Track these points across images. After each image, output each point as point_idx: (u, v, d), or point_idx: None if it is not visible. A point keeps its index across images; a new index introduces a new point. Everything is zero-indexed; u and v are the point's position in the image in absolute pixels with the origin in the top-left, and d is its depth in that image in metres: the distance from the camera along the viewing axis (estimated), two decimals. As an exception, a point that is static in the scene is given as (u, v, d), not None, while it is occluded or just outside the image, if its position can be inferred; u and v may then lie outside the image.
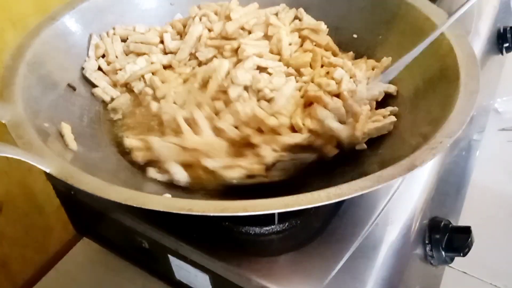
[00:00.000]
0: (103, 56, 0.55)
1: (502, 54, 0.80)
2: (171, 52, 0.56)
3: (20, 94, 0.43)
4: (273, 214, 0.43)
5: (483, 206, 0.75)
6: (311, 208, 0.44)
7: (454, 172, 0.64)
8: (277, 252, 0.43)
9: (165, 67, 0.54)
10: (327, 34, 0.57)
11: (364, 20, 0.57)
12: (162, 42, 0.56)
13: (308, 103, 0.47)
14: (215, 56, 0.54)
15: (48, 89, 0.48)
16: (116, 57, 0.55)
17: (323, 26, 0.56)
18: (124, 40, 0.56)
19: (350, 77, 0.50)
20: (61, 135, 0.43)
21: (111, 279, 0.60)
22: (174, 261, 0.47)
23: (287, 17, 0.57)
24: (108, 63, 0.54)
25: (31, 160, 0.36)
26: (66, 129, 0.44)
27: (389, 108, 0.49)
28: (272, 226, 0.44)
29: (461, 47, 0.47)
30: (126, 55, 0.55)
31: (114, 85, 0.53)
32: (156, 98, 0.50)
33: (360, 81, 0.49)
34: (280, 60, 0.53)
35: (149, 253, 0.49)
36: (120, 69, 0.53)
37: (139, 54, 0.55)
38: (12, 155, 0.35)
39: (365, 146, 0.46)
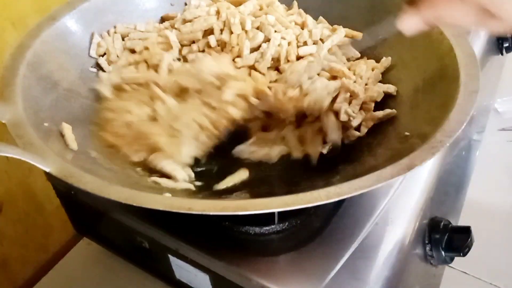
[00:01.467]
0: (104, 54, 0.55)
1: (502, 54, 0.80)
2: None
3: (20, 94, 0.43)
4: (273, 214, 0.43)
5: (483, 206, 0.75)
6: (311, 208, 0.45)
7: (454, 172, 0.64)
8: (277, 252, 0.43)
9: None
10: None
11: (364, 20, 0.57)
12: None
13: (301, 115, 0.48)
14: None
15: (48, 89, 0.48)
16: (117, 56, 0.55)
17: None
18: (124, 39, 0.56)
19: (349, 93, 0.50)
20: (62, 135, 0.43)
21: (111, 279, 0.60)
22: (174, 261, 0.47)
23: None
24: (109, 63, 0.54)
25: (31, 159, 0.36)
26: (67, 129, 0.44)
27: (387, 111, 0.48)
28: (272, 226, 0.44)
29: (461, 47, 0.47)
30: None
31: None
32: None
33: (358, 94, 0.49)
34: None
35: (149, 253, 0.49)
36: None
37: (132, 52, 0.55)
38: (12, 155, 0.35)
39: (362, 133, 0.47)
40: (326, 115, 0.47)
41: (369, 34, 0.56)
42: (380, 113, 0.48)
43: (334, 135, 0.46)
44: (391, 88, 0.51)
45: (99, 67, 0.54)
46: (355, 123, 0.48)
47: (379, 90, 0.50)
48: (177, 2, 0.62)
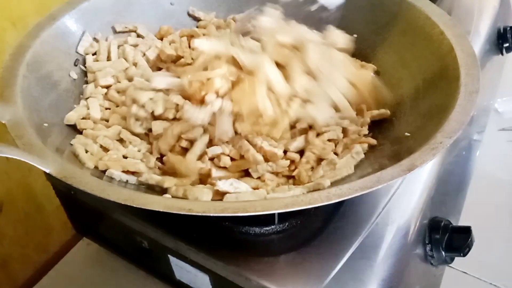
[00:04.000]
0: (94, 53, 0.54)
1: (502, 54, 0.80)
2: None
3: (20, 94, 0.43)
4: (273, 214, 0.43)
5: (483, 206, 0.75)
6: (311, 208, 0.45)
7: (454, 172, 0.64)
8: (277, 252, 0.43)
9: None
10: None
11: (364, 20, 0.57)
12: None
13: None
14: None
15: (48, 89, 0.48)
16: (108, 58, 0.54)
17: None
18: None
19: None
20: (76, 155, 0.43)
21: (111, 279, 0.60)
22: (174, 261, 0.47)
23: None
24: (96, 60, 0.54)
25: (31, 160, 0.36)
26: (80, 149, 0.43)
27: (382, 111, 0.49)
28: (272, 226, 0.44)
29: (461, 47, 0.47)
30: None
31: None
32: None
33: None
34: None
35: (149, 253, 0.49)
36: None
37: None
38: (12, 156, 0.35)
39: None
40: None
41: (369, 34, 0.57)
42: (374, 112, 0.48)
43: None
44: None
45: (84, 63, 0.53)
46: None
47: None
48: (177, 2, 0.62)
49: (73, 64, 0.52)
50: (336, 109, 0.47)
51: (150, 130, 0.46)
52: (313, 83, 0.46)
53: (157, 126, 0.45)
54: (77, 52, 0.53)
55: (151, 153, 0.45)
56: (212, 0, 0.63)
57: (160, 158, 0.45)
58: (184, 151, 0.45)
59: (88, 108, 0.49)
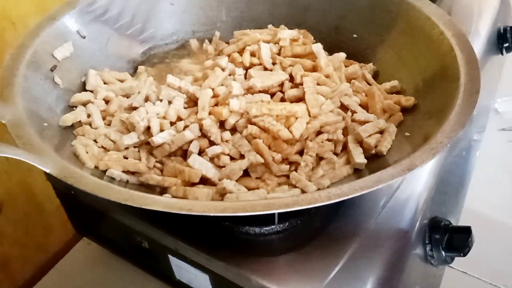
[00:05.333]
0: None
1: (502, 54, 0.80)
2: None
3: (20, 94, 0.43)
4: (273, 214, 0.43)
5: (483, 206, 0.75)
6: (312, 208, 0.45)
7: (454, 172, 0.64)
8: (277, 252, 0.43)
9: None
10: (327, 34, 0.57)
11: (364, 20, 0.57)
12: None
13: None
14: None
15: (48, 89, 0.48)
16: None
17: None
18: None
19: None
20: (76, 155, 0.43)
21: (111, 279, 0.60)
22: (174, 261, 0.47)
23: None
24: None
25: (31, 160, 0.36)
26: (81, 149, 0.43)
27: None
28: (272, 226, 0.44)
29: (461, 47, 0.47)
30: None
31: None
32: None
33: None
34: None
35: (149, 253, 0.49)
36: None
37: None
38: (12, 155, 0.35)
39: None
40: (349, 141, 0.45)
41: (369, 34, 0.57)
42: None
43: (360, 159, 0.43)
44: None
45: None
46: None
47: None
48: (176, 2, 0.62)
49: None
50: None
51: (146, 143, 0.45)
52: None
53: (160, 138, 0.44)
54: (53, 55, 0.50)
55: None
56: (212, 0, 0.63)
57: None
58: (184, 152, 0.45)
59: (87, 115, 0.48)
